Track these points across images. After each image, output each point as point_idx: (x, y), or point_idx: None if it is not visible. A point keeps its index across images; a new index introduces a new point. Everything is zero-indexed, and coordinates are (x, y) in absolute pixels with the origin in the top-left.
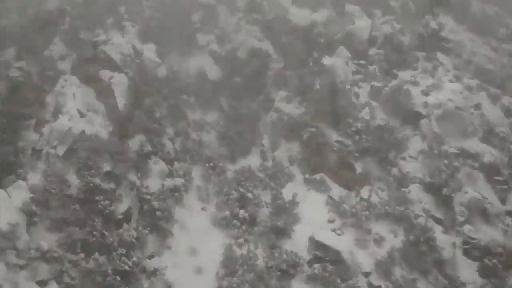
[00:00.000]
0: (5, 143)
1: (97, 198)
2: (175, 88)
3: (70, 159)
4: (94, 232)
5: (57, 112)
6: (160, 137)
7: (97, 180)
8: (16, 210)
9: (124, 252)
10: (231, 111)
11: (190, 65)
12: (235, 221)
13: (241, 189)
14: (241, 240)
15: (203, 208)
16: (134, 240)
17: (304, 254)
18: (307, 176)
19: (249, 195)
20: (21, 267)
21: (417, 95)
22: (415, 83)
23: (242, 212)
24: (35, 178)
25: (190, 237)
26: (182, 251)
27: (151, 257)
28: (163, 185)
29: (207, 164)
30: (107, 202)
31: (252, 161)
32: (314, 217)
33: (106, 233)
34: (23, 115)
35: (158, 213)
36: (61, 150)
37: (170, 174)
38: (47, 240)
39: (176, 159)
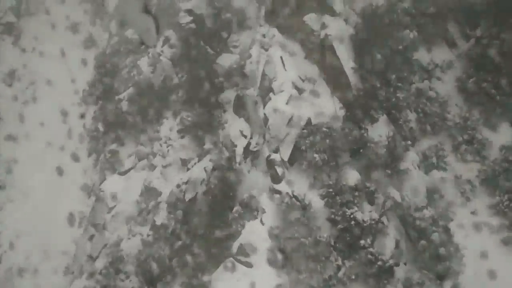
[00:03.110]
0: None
1: (362, 242)
2: (397, 21)
3: (301, 169)
4: None
5: (265, 87)
6: (401, 109)
7: (355, 210)
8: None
9: None
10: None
11: None
12: None
13: None
14: None
15: (487, 225)
16: None
17: None
18: None
19: None
20: None
21: None
22: None
23: None
24: (270, 211)
25: None
26: None
27: None
28: (426, 192)
29: (460, 137)
30: (375, 248)
31: None
32: None
33: None
34: (215, 87)
35: (441, 250)
36: (285, 154)
37: (422, 164)
38: None
39: (419, 135)
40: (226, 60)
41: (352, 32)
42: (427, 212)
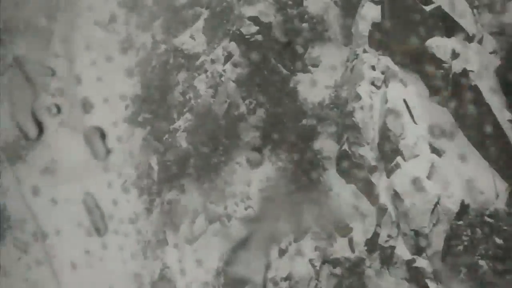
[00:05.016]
0: None
1: None
2: None
3: (459, 279)
4: None
5: (388, 148)
6: None
7: None
8: None
9: None
10: None
11: None
12: None
13: None
14: None
15: None
16: None
17: None
18: None
19: None
20: None
21: None
22: None
23: None
24: None
25: None
26: None
27: None
28: None
29: None
30: None
31: None
32: None
33: None
34: (302, 130)
35: None
36: (434, 257)
37: None
38: None
39: None
40: (313, 93)
41: (497, 63)
42: None
